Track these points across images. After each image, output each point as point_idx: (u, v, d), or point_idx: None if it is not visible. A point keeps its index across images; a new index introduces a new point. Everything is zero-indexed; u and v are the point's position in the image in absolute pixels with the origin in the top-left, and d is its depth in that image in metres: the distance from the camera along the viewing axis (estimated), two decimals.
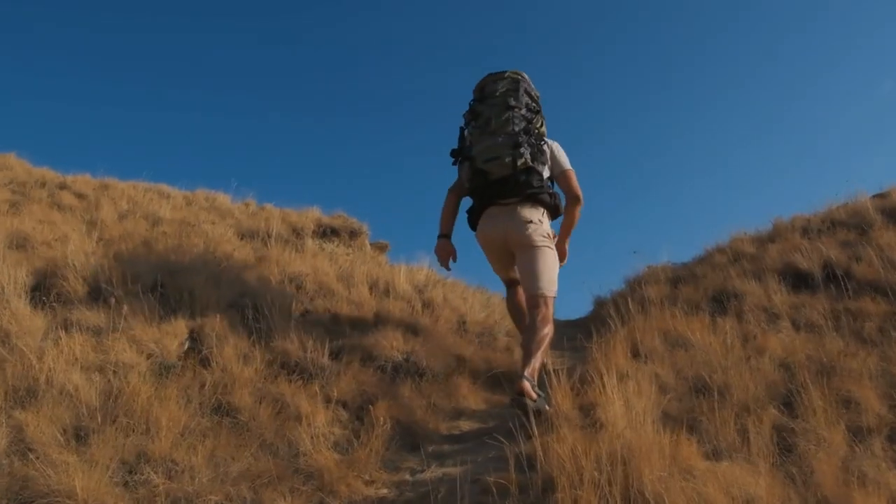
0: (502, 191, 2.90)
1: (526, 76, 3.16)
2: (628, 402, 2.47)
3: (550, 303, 2.91)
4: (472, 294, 4.53)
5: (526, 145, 2.90)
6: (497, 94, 3.07)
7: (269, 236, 4.90)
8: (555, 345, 4.10)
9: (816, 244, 4.47)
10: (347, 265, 4.31)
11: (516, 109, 3.00)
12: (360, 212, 5.96)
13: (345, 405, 2.69)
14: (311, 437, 2.39)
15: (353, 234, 5.59)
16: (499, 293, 5.23)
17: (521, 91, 3.08)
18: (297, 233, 5.37)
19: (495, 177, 2.90)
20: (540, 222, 2.94)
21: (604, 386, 2.52)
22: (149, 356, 2.58)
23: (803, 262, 4.28)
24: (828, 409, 2.54)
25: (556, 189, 3.06)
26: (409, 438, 2.50)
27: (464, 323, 3.83)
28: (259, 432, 2.34)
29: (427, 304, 3.85)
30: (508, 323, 4.07)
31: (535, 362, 2.67)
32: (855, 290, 3.88)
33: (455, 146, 3.13)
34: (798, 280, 4.17)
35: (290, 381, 2.75)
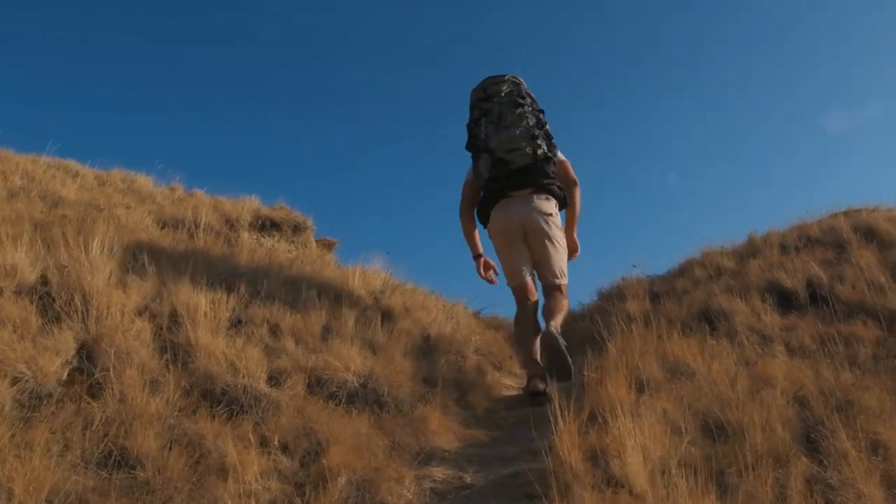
0: (522, 180, 3.09)
1: (521, 79, 3.36)
2: (644, 450, 2.01)
3: (564, 290, 3.22)
4: (434, 302, 3.98)
5: (542, 137, 3.14)
6: (502, 94, 3.27)
7: (197, 226, 4.18)
8: None
9: (798, 262, 4.22)
10: (291, 263, 3.66)
11: (525, 107, 3.22)
12: (306, 206, 5.28)
13: (286, 448, 2.08)
14: (241, 498, 1.78)
15: (297, 228, 4.92)
16: (463, 301, 4.73)
17: (524, 93, 3.30)
18: (230, 224, 4.66)
19: (516, 166, 3.08)
20: (556, 214, 3.19)
21: (613, 427, 2.06)
22: (14, 382, 1.89)
23: (788, 280, 4.01)
24: (860, 455, 2.19)
25: None
26: (369, 496, 1.93)
27: (428, 338, 3.28)
28: (166, 493, 1.71)
29: (386, 315, 3.28)
30: (477, 338, 3.56)
31: (560, 318, 3.07)
32: (844, 313, 3.65)
33: (465, 142, 3.30)
34: (783, 299, 3.90)
35: (214, 417, 2.12)
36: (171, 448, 1.94)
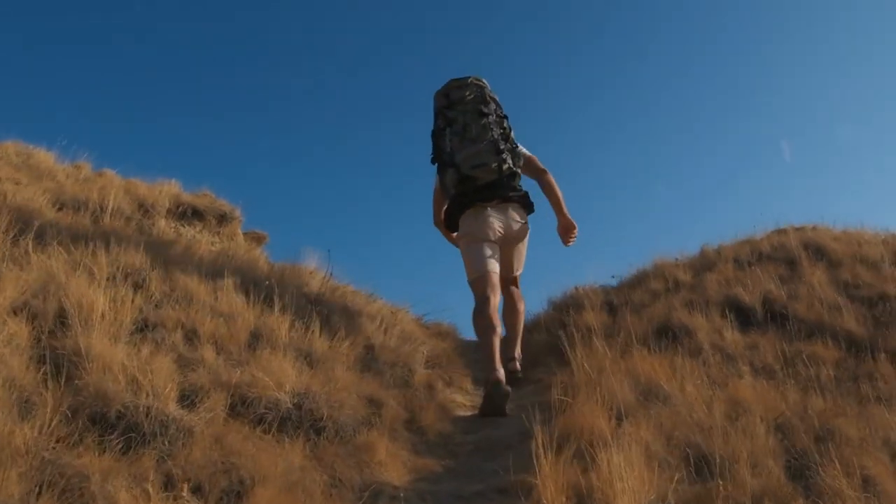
0: (489, 194, 3.08)
1: (486, 82, 3.31)
2: (636, 494, 1.72)
3: (518, 281, 3.44)
4: (377, 307, 3.58)
5: (507, 151, 3.13)
6: (466, 100, 3.23)
7: (104, 210, 3.59)
8: None
9: (754, 278, 4.13)
10: (214, 257, 3.16)
11: (490, 116, 3.19)
12: (234, 195, 4.74)
13: (199, 490, 1.64)
14: None
15: (223, 219, 4.37)
16: (407, 307, 4.37)
17: (487, 97, 3.26)
18: (145, 210, 4.07)
19: (483, 182, 3.07)
20: (527, 223, 3.27)
21: (599, 464, 1.77)
22: None
23: (746, 296, 3.90)
24: (856, 495, 2.01)
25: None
26: None
27: (372, 348, 2.89)
28: None
29: (325, 321, 2.85)
30: (425, 349, 3.19)
31: (519, 340, 3.37)
32: (804, 332, 3.58)
33: (429, 151, 3.31)
34: (741, 315, 3.78)
35: (105, 449, 1.65)
36: (40, 493, 1.46)
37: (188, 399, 1.98)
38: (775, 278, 4.16)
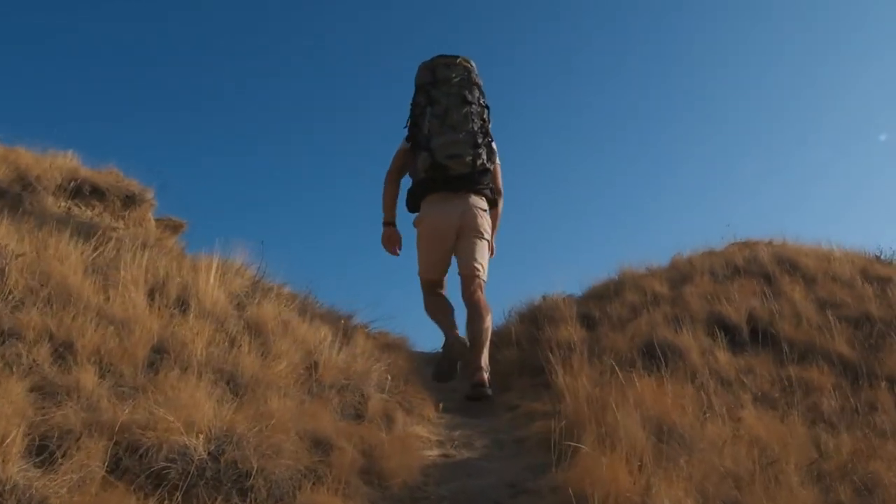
0: (458, 185, 2.98)
1: (474, 64, 3.19)
2: None
3: (483, 288, 3.07)
4: (320, 314, 2.96)
5: (483, 146, 3.02)
6: (452, 81, 3.11)
7: None
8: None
9: (735, 293, 3.81)
10: (107, 247, 2.44)
11: (473, 105, 3.07)
12: (150, 176, 3.94)
13: None
14: None
15: (130, 201, 3.59)
16: (353, 314, 3.77)
17: (473, 82, 3.15)
18: (27, 185, 3.26)
19: (454, 173, 2.97)
20: (487, 212, 3.10)
21: None
22: None
23: (732, 314, 3.56)
24: None
25: None
26: None
27: (315, 367, 2.27)
28: None
29: (256, 331, 2.22)
30: (380, 368, 2.61)
31: (486, 352, 2.94)
32: (798, 355, 3.29)
33: (405, 120, 3.18)
34: (727, 333, 3.41)
35: None
36: None
37: (46, 451, 1.32)
38: (757, 294, 3.86)
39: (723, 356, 3.11)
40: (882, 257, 4.76)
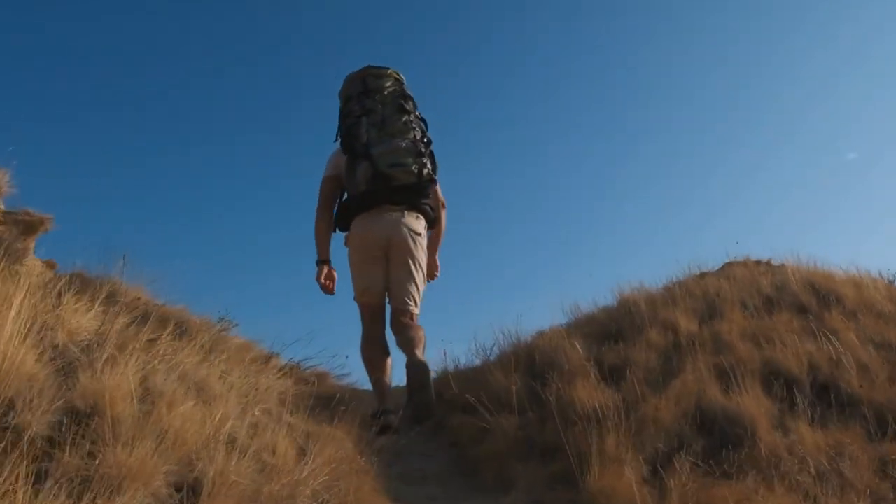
0: (401, 198, 2.77)
1: (403, 78, 3.04)
2: None
3: (416, 320, 2.80)
4: (228, 355, 1.89)
5: (427, 155, 2.83)
6: (385, 91, 2.94)
7: None
8: None
9: (780, 332, 2.97)
10: None
11: (411, 114, 2.91)
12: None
13: None
14: None
15: None
16: (276, 354, 2.77)
17: (407, 94, 2.99)
18: None
19: (399, 183, 2.74)
20: (423, 236, 2.86)
21: None
22: None
23: (790, 363, 2.71)
24: None
25: None
26: None
27: (195, 493, 1.23)
28: None
29: (87, 420, 1.16)
30: (317, 464, 1.56)
31: (421, 348, 2.64)
32: (877, 420, 2.43)
33: (336, 128, 2.96)
34: (789, 390, 2.55)
35: None
36: None
37: None
38: (805, 333, 3.03)
39: (804, 430, 2.23)
40: None
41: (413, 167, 2.73)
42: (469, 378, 2.87)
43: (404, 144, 2.76)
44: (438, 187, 2.96)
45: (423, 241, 2.84)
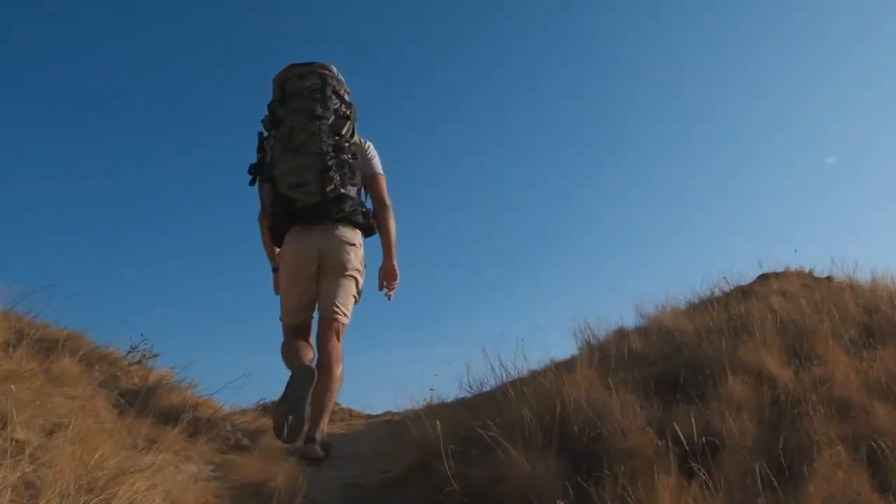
0: (309, 218, 2.55)
1: (334, 70, 2.78)
2: None
3: (342, 332, 2.62)
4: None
5: (335, 168, 2.55)
6: (303, 96, 2.68)
7: None
8: None
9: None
10: None
11: (323, 121, 2.62)
12: None
13: None
14: None
15: None
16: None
17: (329, 92, 2.69)
18: None
19: (301, 205, 2.53)
20: (360, 245, 2.66)
21: None
22: None
23: None
24: None
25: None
26: None
27: None
28: None
29: None
30: None
31: (326, 417, 2.47)
32: None
33: (254, 155, 2.73)
34: None
35: None
36: None
37: None
38: None
39: None
40: None
41: (315, 186, 2.50)
42: (471, 454, 1.90)
43: (307, 161, 2.53)
44: (383, 184, 2.72)
45: (359, 251, 2.63)
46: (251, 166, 2.69)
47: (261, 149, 2.69)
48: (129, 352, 2.84)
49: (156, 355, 2.91)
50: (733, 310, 3.01)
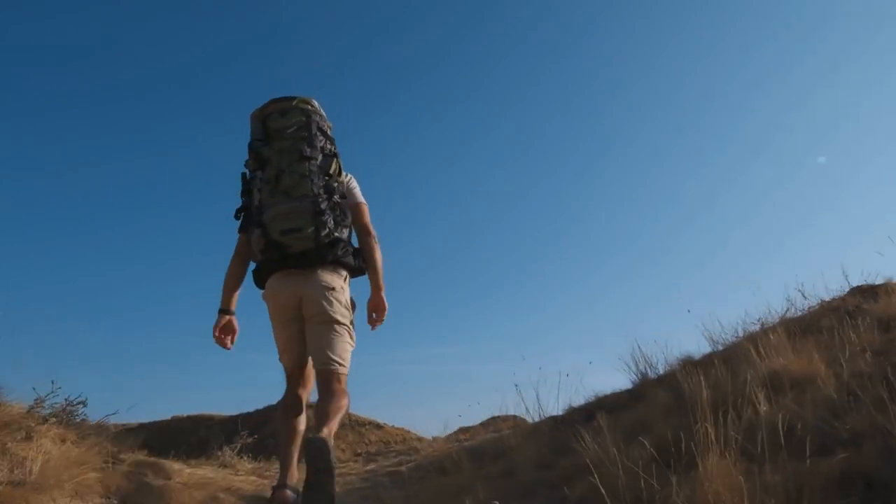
0: (301, 263, 2.50)
1: (316, 104, 2.73)
2: None
3: (343, 381, 2.53)
4: None
5: (329, 211, 2.51)
6: (288, 134, 2.61)
7: None
8: None
9: None
10: None
11: (313, 161, 2.57)
12: None
13: None
14: None
15: None
16: None
17: (314, 129, 2.64)
18: None
19: (294, 251, 2.49)
20: (342, 289, 2.57)
21: None
22: None
23: None
24: None
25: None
26: None
27: None
28: None
29: None
30: None
31: (335, 423, 2.34)
32: None
33: (238, 194, 2.67)
34: None
35: None
36: None
37: None
38: None
39: None
40: None
41: (309, 230, 2.45)
42: None
43: (299, 205, 2.48)
44: (367, 214, 2.69)
45: (342, 294, 2.55)
46: (238, 210, 2.63)
47: (246, 192, 2.61)
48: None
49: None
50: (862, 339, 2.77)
